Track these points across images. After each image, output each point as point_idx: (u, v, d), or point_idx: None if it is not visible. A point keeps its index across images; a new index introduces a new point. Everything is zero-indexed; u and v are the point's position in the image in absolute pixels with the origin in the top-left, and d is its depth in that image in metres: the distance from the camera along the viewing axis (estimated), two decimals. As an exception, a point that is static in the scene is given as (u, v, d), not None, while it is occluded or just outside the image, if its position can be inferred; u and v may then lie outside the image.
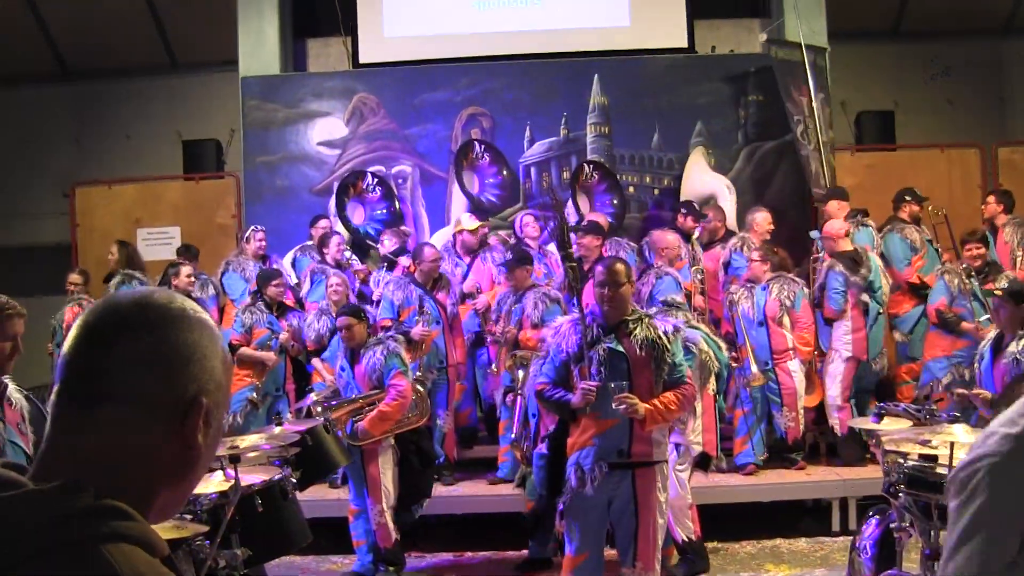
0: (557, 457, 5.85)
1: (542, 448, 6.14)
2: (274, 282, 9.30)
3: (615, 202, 11.06)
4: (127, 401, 1.40)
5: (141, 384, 1.41)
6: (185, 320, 1.47)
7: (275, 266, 10.09)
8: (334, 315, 8.72)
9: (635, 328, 5.66)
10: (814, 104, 10.89)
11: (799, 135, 10.91)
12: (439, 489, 8.73)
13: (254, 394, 9.07)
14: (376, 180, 11.13)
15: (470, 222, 10.15)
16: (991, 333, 7.30)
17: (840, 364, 9.14)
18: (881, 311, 9.36)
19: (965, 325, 8.87)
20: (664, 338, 5.67)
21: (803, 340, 8.97)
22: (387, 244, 10.08)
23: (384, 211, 11.07)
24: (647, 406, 5.49)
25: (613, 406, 5.48)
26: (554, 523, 6.02)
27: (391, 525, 7.48)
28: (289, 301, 9.63)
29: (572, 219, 10.37)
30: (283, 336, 9.20)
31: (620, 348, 5.62)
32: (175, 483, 1.47)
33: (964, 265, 9.17)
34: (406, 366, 7.56)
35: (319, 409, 7.35)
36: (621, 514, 5.68)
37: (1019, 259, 9.83)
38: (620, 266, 5.85)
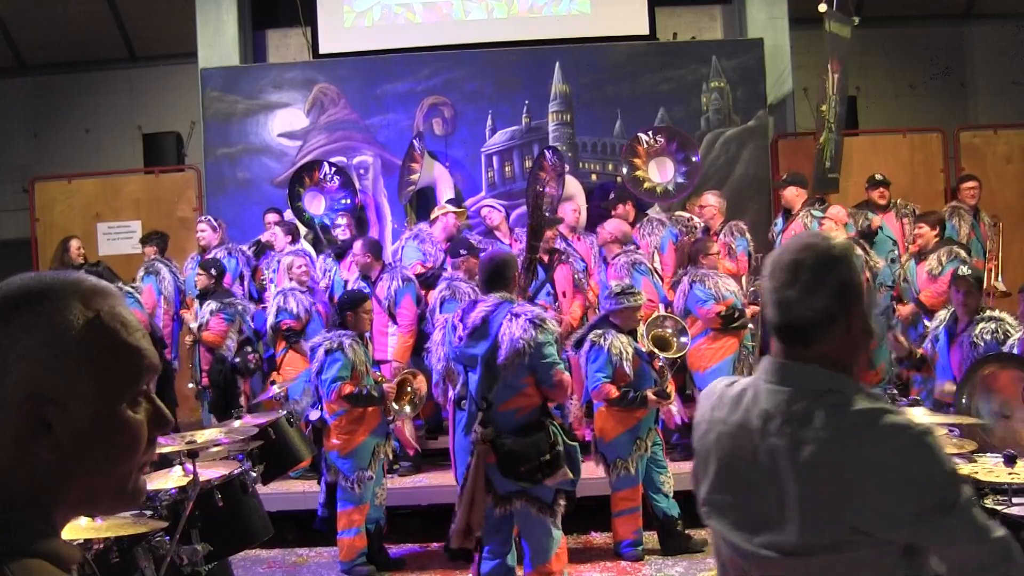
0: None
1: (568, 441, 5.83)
2: (202, 272, 9.44)
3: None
4: None
5: None
6: None
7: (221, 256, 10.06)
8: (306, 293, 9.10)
9: None
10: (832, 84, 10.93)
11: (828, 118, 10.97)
12: (404, 480, 8.72)
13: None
14: (334, 170, 11.05)
15: (457, 208, 10.14)
16: (942, 313, 7.35)
17: None
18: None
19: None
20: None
21: None
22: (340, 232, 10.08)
23: (346, 200, 11.02)
24: None
25: None
26: None
27: None
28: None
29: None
30: (187, 317, 9.26)
31: None
32: (71, 484, 1.35)
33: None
34: None
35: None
36: None
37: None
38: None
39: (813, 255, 2.24)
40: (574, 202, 10.46)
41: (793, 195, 10.10)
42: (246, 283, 10.10)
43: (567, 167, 10.81)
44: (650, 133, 10.85)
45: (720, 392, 2.40)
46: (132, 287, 9.71)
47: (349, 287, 9.09)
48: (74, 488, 1.35)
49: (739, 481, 2.28)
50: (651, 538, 7.81)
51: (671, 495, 7.66)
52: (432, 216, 10.06)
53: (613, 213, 10.09)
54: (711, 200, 10.02)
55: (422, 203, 11.12)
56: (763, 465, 2.20)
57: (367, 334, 7.79)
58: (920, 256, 9.33)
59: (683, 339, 7.73)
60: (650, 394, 7.36)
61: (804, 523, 2.13)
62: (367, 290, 8.88)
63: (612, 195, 10.49)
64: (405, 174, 10.97)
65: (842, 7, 11.14)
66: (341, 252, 9.83)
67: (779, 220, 10.37)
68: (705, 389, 2.50)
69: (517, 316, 5.62)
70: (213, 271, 9.42)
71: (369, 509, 7.52)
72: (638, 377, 7.46)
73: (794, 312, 2.23)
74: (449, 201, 10.34)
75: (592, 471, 7.59)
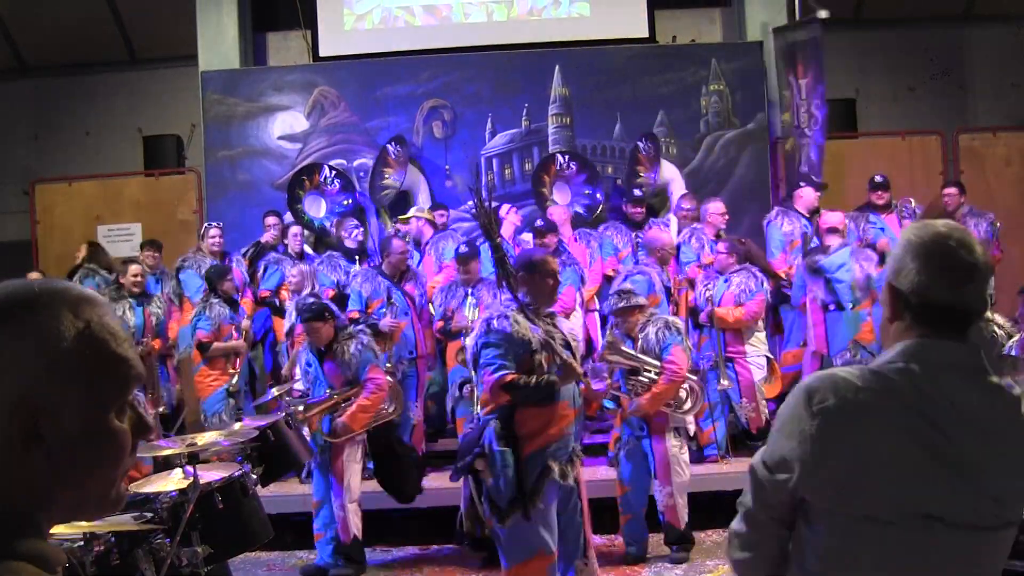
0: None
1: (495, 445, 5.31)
2: (227, 278, 9.38)
3: (597, 194, 11.14)
4: None
5: None
6: None
7: (231, 263, 10.06)
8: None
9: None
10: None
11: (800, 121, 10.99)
12: (404, 482, 8.73)
13: (230, 390, 9.24)
14: (334, 173, 11.11)
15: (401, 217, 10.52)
16: None
17: (808, 358, 9.22)
18: (853, 305, 9.02)
19: None
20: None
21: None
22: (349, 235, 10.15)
23: (347, 202, 11.07)
24: None
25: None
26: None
27: (352, 519, 7.43)
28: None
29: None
30: (244, 323, 9.27)
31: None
32: (58, 491, 1.36)
33: None
34: (378, 358, 7.59)
35: (297, 408, 7.27)
36: (566, 504, 5.48)
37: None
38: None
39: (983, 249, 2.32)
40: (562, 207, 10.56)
41: (811, 195, 10.13)
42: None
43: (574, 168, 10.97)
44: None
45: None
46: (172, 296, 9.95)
47: (365, 286, 9.20)
48: (61, 495, 1.36)
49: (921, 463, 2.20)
50: (652, 539, 7.83)
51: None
52: (405, 217, 10.36)
53: (630, 211, 10.18)
54: (719, 207, 9.97)
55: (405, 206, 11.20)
56: (948, 441, 2.18)
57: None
58: None
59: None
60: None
61: (995, 499, 2.19)
62: (384, 291, 9.05)
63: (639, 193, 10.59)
64: (377, 179, 11.05)
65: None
66: (361, 255, 9.95)
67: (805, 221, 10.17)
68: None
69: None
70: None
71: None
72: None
73: (977, 302, 2.31)
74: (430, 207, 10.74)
75: (591, 472, 7.62)
